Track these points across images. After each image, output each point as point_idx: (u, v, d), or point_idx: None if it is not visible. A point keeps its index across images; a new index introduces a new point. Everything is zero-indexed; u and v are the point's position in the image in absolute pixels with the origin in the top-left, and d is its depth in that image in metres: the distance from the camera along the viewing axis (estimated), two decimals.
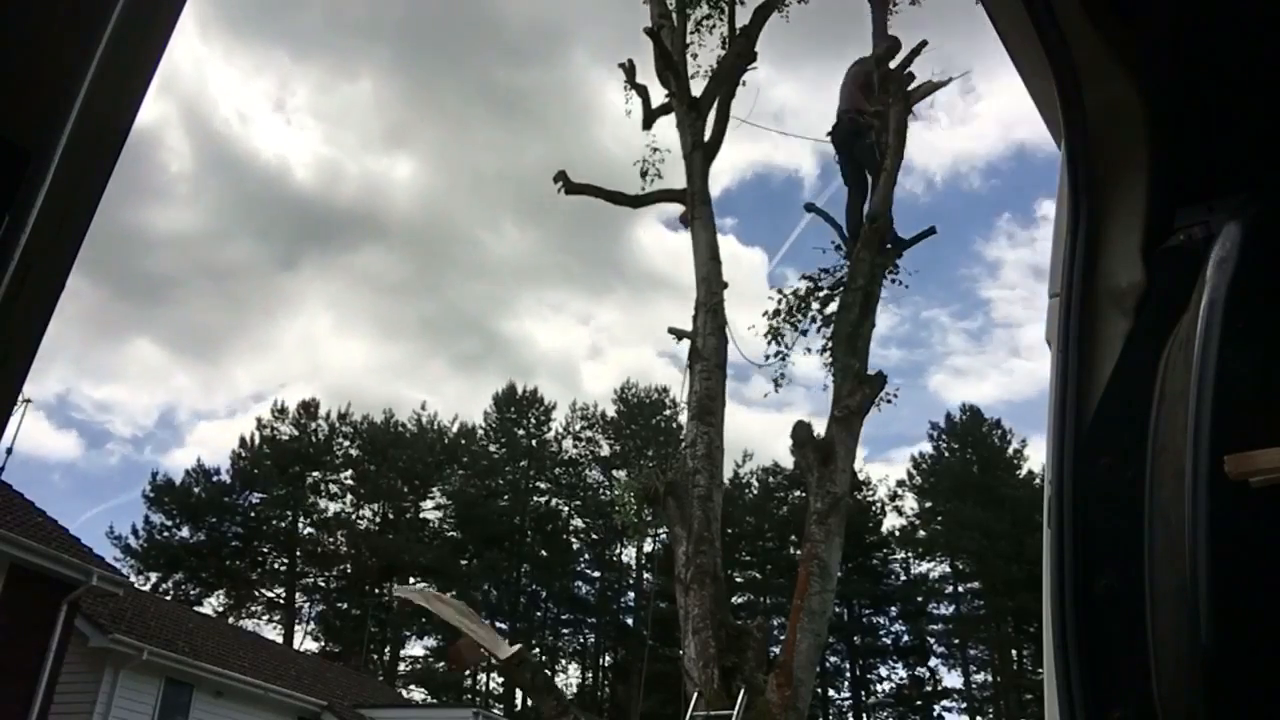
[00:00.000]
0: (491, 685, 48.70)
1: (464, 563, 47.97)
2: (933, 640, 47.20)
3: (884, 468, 76.03)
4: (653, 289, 54.57)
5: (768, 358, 11.35)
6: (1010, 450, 47.40)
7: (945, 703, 46.67)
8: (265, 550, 47.09)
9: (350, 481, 49.00)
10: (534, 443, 50.42)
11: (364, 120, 51.75)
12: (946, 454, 48.73)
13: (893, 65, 10.93)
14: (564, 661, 51.05)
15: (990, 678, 46.91)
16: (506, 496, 49.65)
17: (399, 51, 47.87)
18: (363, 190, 51.38)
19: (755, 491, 49.13)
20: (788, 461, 41.41)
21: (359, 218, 52.29)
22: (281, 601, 46.31)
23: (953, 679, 47.05)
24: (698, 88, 11.60)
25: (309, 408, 49.01)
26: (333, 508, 48.73)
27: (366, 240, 53.85)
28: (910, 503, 49.05)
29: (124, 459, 57.94)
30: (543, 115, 48.39)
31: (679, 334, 10.38)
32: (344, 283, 54.37)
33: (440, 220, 51.23)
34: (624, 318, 58.88)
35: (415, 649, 48.70)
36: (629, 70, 12.22)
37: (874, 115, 10.37)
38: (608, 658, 49.85)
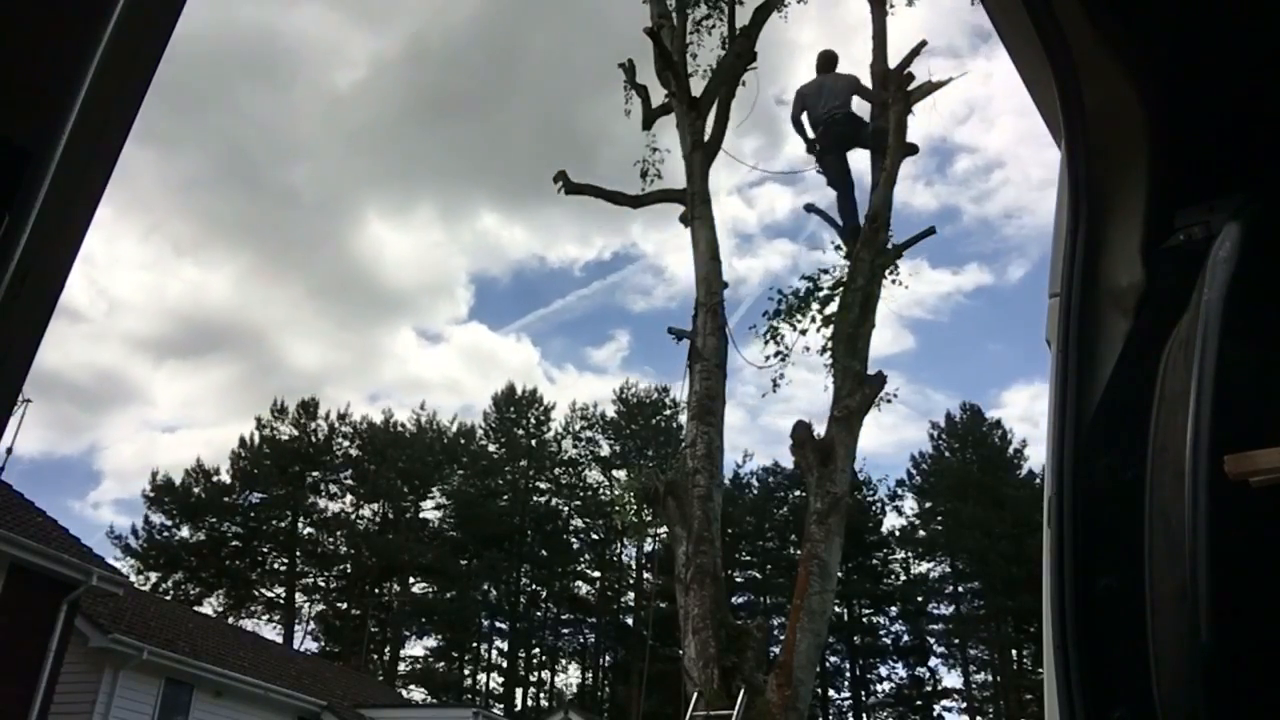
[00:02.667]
0: (492, 685, 48.77)
1: (464, 563, 47.96)
2: (933, 640, 47.22)
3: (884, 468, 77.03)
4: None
5: (767, 358, 11.35)
6: (1010, 450, 47.44)
7: (945, 703, 46.74)
8: (265, 550, 47.08)
9: (350, 481, 48.99)
10: (534, 443, 50.42)
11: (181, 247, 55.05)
12: (947, 454, 48.74)
13: (893, 65, 10.94)
14: (564, 661, 51.12)
15: (990, 678, 46.92)
16: (506, 496, 49.66)
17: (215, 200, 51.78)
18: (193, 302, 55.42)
19: (755, 491, 49.13)
20: (788, 461, 41.49)
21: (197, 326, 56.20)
22: (281, 601, 46.31)
23: (953, 679, 47.13)
24: (697, 88, 11.61)
25: (308, 407, 49.04)
26: (333, 508, 48.79)
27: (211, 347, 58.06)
28: (910, 503, 49.13)
29: None
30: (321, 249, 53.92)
31: (679, 334, 10.37)
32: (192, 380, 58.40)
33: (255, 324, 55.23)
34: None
35: (415, 649, 48.78)
36: (629, 70, 12.22)
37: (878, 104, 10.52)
38: (608, 658, 49.85)
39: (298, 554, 47.23)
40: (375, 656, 46.29)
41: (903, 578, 48.25)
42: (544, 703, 47.46)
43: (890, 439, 61.47)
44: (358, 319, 59.10)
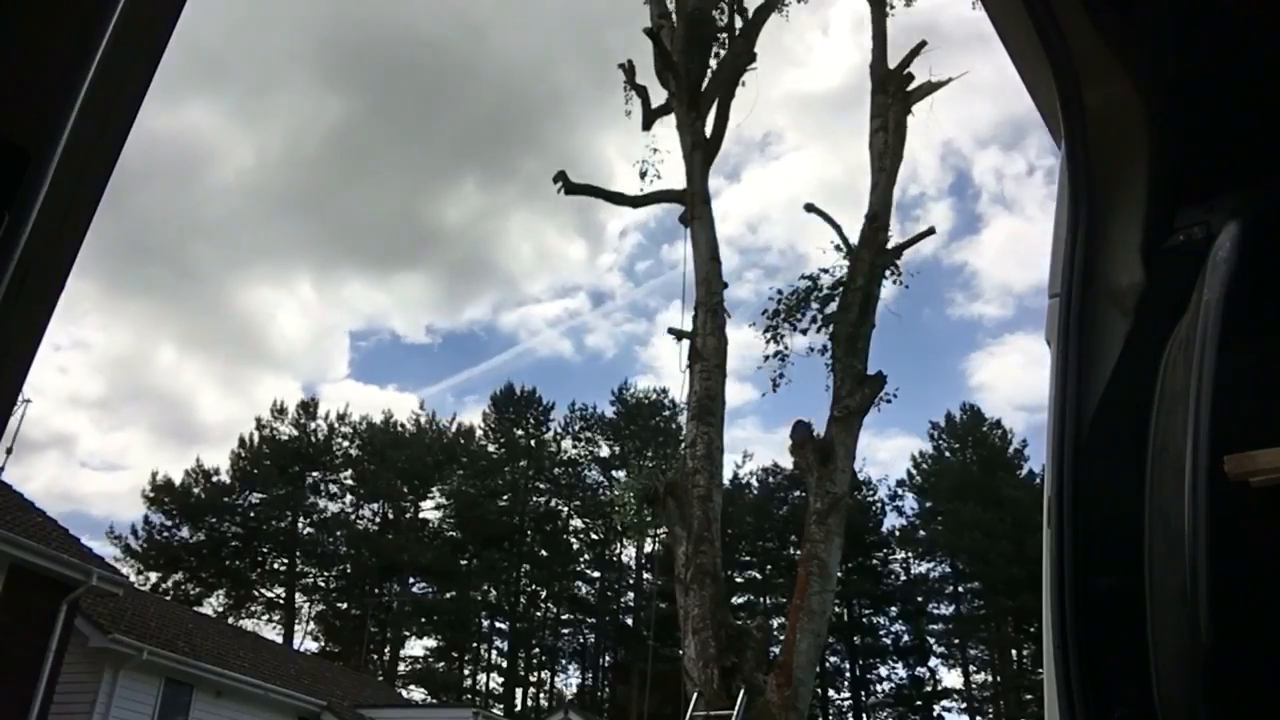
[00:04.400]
0: (492, 685, 48.77)
1: (464, 563, 47.97)
2: (933, 640, 47.21)
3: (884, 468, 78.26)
4: None
5: (766, 358, 11.36)
6: (1010, 450, 47.43)
7: (945, 703, 46.73)
8: (265, 550, 47.07)
9: (350, 481, 49.00)
10: (533, 443, 50.42)
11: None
12: (947, 454, 48.74)
13: (892, 66, 10.94)
14: (564, 661, 51.12)
15: (990, 678, 46.92)
16: (506, 496, 49.65)
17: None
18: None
19: (755, 491, 49.13)
20: (788, 461, 41.52)
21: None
22: (281, 601, 46.30)
23: (953, 679, 47.13)
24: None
25: (308, 407, 49.08)
26: (333, 508, 48.78)
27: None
28: (910, 503, 49.14)
29: None
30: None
31: (679, 334, 10.37)
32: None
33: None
34: None
35: (415, 649, 48.78)
36: (629, 70, 12.22)
37: None
38: (608, 658, 49.86)
39: (298, 554, 47.22)
40: (375, 656, 46.28)
41: (903, 578, 48.26)
42: (544, 703, 47.48)
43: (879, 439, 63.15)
44: (249, 375, 65.22)
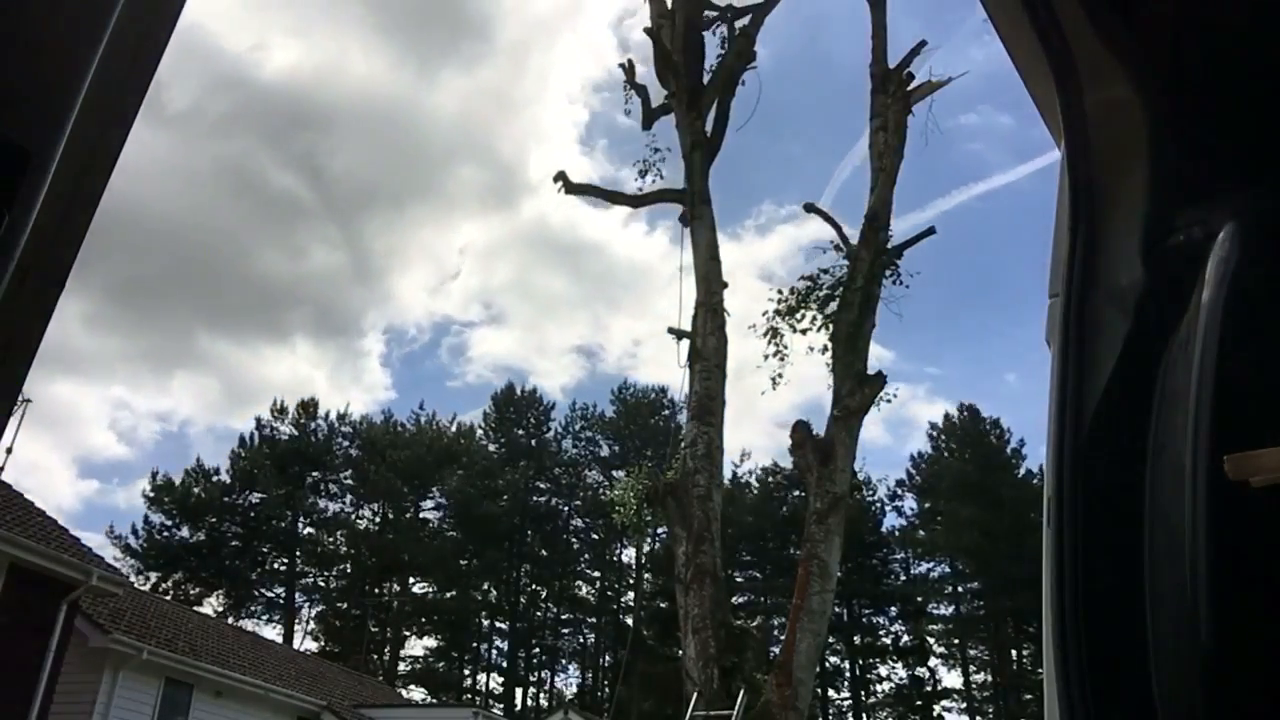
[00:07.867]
0: (492, 685, 48.77)
1: (464, 563, 47.97)
2: (933, 640, 47.22)
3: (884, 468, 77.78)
4: None
5: (766, 357, 11.37)
6: (1010, 450, 47.42)
7: (945, 703, 46.71)
8: (265, 550, 47.09)
9: (350, 481, 49.00)
10: (533, 443, 50.42)
11: None
12: (946, 454, 48.73)
13: (893, 65, 10.95)
14: (564, 661, 51.13)
15: (990, 678, 46.92)
16: (506, 496, 49.66)
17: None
18: None
19: (755, 491, 49.13)
20: (788, 461, 41.54)
21: None
22: (281, 601, 46.31)
23: (953, 679, 47.14)
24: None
25: (308, 407, 49.06)
26: (333, 508, 48.79)
27: None
28: (910, 503, 49.14)
29: None
30: None
31: (679, 334, 10.37)
32: None
33: None
34: None
35: (415, 649, 48.79)
36: (629, 70, 12.22)
37: None
38: (608, 658, 49.87)
39: (298, 554, 47.23)
40: (375, 656, 46.28)
41: (903, 578, 48.27)
42: (544, 703, 47.49)
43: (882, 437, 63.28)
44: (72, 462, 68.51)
